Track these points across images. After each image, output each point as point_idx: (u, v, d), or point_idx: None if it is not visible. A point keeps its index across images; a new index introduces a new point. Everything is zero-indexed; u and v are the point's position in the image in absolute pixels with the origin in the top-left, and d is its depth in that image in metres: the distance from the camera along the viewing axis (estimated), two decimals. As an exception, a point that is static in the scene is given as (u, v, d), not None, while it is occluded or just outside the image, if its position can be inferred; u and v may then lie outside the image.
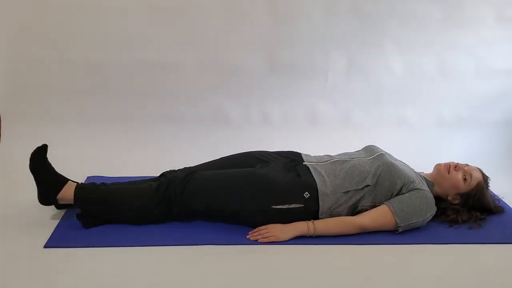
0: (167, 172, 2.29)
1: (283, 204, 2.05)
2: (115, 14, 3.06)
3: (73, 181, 2.16)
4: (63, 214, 2.20)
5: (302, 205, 2.06)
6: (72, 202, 2.11)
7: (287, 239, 2.02)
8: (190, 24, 3.13)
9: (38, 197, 2.13)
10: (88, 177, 2.59)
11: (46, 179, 2.10)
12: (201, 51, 3.18)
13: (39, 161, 2.09)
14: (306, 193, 2.07)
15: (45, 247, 1.93)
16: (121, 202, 2.11)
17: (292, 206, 2.06)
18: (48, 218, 2.16)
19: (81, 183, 2.17)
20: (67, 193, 2.10)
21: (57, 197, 2.10)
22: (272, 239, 2.01)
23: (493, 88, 3.35)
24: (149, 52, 3.15)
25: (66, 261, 1.85)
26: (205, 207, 2.09)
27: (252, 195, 2.06)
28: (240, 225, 2.11)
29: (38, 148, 2.10)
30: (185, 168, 2.31)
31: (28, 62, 3.09)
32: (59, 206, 2.22)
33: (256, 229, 2.06)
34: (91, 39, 3.06)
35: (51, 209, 2.22)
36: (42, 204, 2.14)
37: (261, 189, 2.07)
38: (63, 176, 2.14)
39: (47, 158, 2.11)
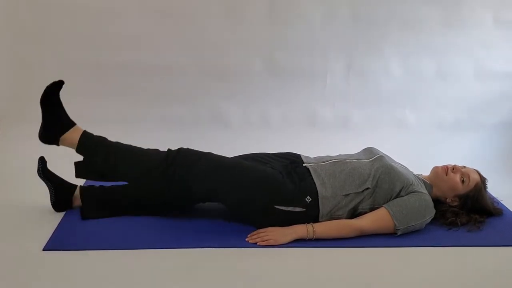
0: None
1: (287, 205, 2.05)
2: (115, 16, 3.07)
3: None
4: (62, 216, 2.19)
5: (304, 209, 2.06)
6: (72, 147, 2.06)
7: (286, 242, 2.02)
8: (190, 26, 3.14)
9: (40, 133, 2.06)
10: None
11: (55, 116, 2.04)
12: (201, 53, 3.19)
13: (53, 95, 2.04)
14: (308, 197, 2.06)
15: (44, 249, 1.93)
16: (125, 162, 2.07)
17: (296, 209, 2.05)
18: (47, 220, 2.15)
19: (89, 133, 2.11)
20: (71, 136, 2.05)
21: (60, 138, 2.05)
22: (271, 242, 2.01)
23: (492, 90, 3.36)
24: (148, 54, 3.16)
25: (65, 264, 1.85)
26: (204, 192, 2.06)
27: (258, 191, 2.04)
28: (236, 222, 2.14)
29: (54, 82, 2.04)
30: None
31: (28, 62, 3.10)
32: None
33: (255, 232, 2.06)
34: (90, 40, 3.07)
35: (50, 212, 2.22)
36: (42, 141, 2.08)
37: (267, 187, 2.05)
38: (71, 120, 2.09)
39: (59, 95, 2.06)
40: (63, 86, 2.09)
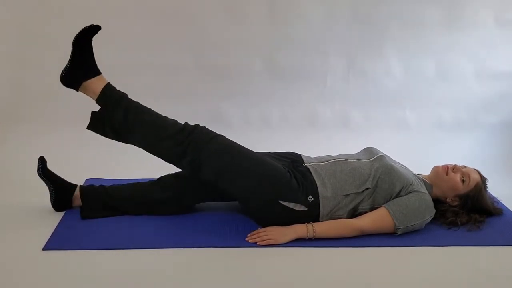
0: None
1: (291, 202, 2.04)
2: (115, 16, 3.06)
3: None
4: (62, 216, 2.19)
5: (306, 209, 2.05)
6: (92, 96, 2.05)
7: (286, 242, 2.02)
8: (190, 26, 3.14)
9: (63, 74, 2.04)
10: (87, 179, 2.58)
11: (83, 59, 2.01)
12: (201, 53, 3.19)
13: (86, 38, 2.01)
14: (310, 196, 2.06)
15: (43, 249, 1.93)
16: (143, 125, 2.06)
17: (299, 208, 2.04)
18: (47, 220, 2.15)
19: (113, 86, 2.08)
20: (95, 84, 2.02)
21: (83, 83, 2.02)
22: (271, 241, 2.01)
23: (492, 90, 3.36)
24: (148, 54, 3.16)
25: (65, 264, 1.85)
26: (212, 172, 2.05)
27: (265, 182, 2.03)
28: (235, 219, 2.15)
29: (92, 25, 2.00)
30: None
31: (28, 63, 3.10)
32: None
33: (254, 232, 2.06)
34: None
35: (50, 211, 2.22)
36: (63, 83, 2.06)
37: (274, 180, 2.04)
38: (98, 69, 2.06)
39: (92, 40, 2.02)
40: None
